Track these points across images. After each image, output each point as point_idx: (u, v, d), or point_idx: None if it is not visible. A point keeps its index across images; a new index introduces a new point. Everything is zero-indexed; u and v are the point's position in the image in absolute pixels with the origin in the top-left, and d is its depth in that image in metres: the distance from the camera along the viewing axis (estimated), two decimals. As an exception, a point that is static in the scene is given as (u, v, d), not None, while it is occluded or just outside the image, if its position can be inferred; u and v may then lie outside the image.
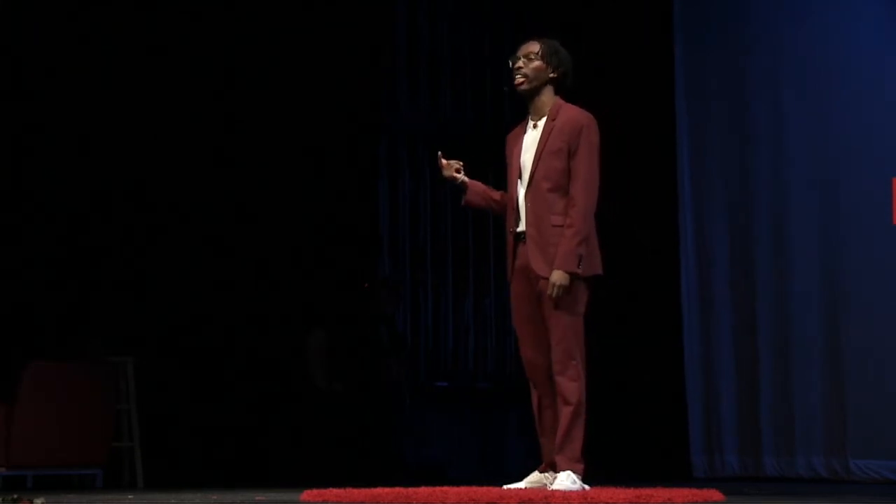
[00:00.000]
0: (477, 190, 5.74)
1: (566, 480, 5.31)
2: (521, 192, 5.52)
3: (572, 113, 5.52)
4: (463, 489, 5.25)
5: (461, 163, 5.75)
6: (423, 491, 5.21)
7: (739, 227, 8.86)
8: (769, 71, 8.77)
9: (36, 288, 8.49)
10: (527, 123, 5.63)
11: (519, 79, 5.57)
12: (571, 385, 5.37)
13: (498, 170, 9.82)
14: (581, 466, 5.39)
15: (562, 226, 5.41)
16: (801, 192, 8.56)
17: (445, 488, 5.33)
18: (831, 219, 8.40)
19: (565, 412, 5.37)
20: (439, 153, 5.73)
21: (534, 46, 5.58)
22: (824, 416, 8.34)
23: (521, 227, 5.51)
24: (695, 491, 5.39)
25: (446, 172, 5.74)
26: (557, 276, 5.36)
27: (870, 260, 8.19)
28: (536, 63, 5.56)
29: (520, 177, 5.55)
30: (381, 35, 9.75)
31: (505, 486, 5.44)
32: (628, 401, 9.18)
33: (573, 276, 5.37)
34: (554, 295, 5.35)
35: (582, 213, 5.39)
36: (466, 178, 5.73)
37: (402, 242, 9.79)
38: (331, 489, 5.41)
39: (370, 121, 9.67)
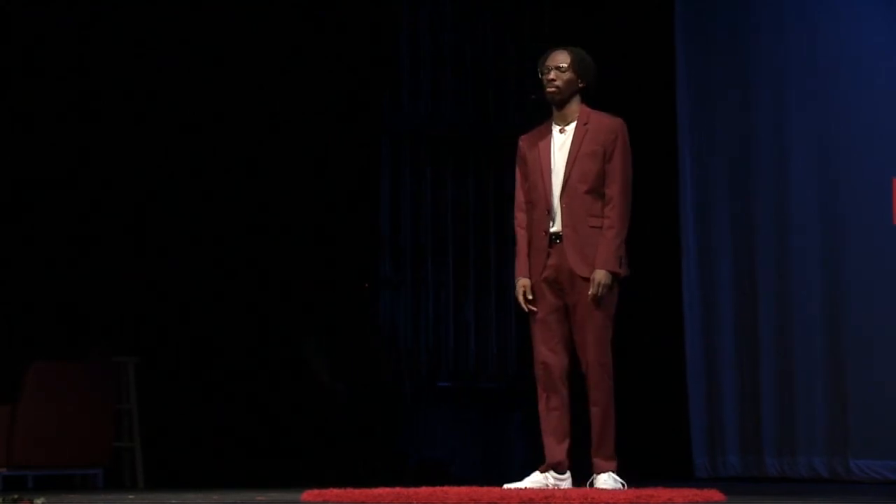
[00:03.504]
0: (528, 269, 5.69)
1: (609, 480, 5.48)
2: (555, 193, 5.58)
3: (604, 118, 5.66)
4: (464, 489, 5.26)
5: (525, 285, 5.65)
6: (424, 491, 5.22)
7: (741, 227, 8.86)
8: (770, 71, 8.76)
9: (38, 287, 8.50)
10: (550, 127, 5.71)
11: (551, 90, 5.66)
12: (604, 385, 5.52)
13: (498, 170, 9.89)
14: (615, 464, 5.54)
15: (598, 227, 5.54)
16: (802, 192, 8.55)
17: (446, 488, 5.34)
18: (833, 219, 8.39)
19: (598, 412, 5.53)
20: (526, 302, 5.64)
21: (565, 57, 5.68)
22: (826, 416, 8.33)
23: (556, 228, 5.57)
24: (696, 491, 5.40)
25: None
26: (601, 276, 5.48)
27: (871, 260, 8.18)
28: (569, 75, 5.66)
29: (549, 179, 5.60)
30: (383, 35, 9.75)
31: (506, 486, 5.46)
32: (630, 400, 9.14)
33: (613, 277, 5.49)
34: (599, 294, 5.46)
35: (621, 214, 5.55)
36: (529, 290, 5.65)
37: (404, 242, 9.79)
38: (331, 489, 5.42)
39: (372, 121, 9.67)
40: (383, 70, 9.77)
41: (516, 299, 5.70)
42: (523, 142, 5.78)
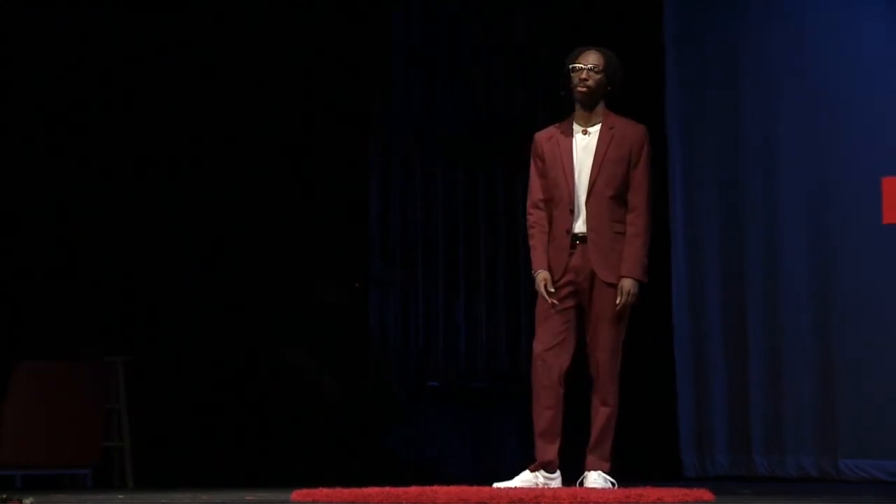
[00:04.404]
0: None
1: (599, 479, 5.53)
2: (579, 194, 5.59)
3: (629, 124, 5.69)
4: (453, 488, 5.26)
5: (546, 278, 5.64)
6: (413, 490, 5.22)
7: (730, 226, 8.88)
8: (761, 70, 8.77)
9: (27, 287, 8.48)
10: (571, 126, 5.71)
11: (583, 89, 5.67)
12: (613, 387, 5.60)
13: (489, 170, 9.89)
14: (608, 465, 5.60)
15: (622, 233, 5.57)
16: (791, 192, 8.57)
17: (435, 487, 5.33)
18: (822, 219, 8.41)
19: (604, 413, 5.59)
20: (552, 301, 5.62)
21: (598, 59, 5.68)
22: (814, 415, 8.36)
23: (579, 229, 5.59)
24: (685, 490, 5.40)
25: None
26: (629, 285, 5.55)
27: (860, 260, 8.21)
28: (601, 77, 5.67)
29: (572, 179, 5.61)
30: (374, 32, 9.74)
31: (495, 485, 5.46)
32: (618, 400, 9.17)
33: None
34: (627, 303, 5.54)
35: (647, 223, 5.60)
36: (551, 283, 5.63)
37: (394, 242, 9.79)
38: (321, 489, 5.41)
39: (362, 118, 9.66)
40: (375, 67, 9.76)
41: (537, 292, 5.66)
42: (540, 138, 5.77)
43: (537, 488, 5.37)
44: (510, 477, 5.60)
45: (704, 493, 5.39)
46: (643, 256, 5.59)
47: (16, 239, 8.51)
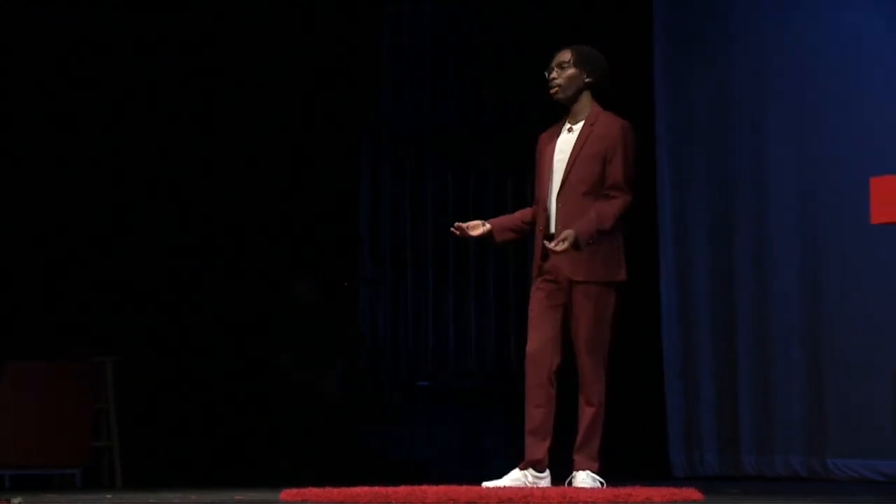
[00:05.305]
0: (502, 226, 5.74)
1: (588, 479, 5.51)
2: (554, 194, 5.57)
3: (610, 119, 5.61)
4: (442, 488, 5.25)
5: (476, 222, 5.70)
6: (403, 490, 5.21)
7: (719, 225, 8.89)
8: (750, 72, 8.78)
9: (16, 287, 8.47)
10: (562, 126, 5.70)
11: (553, 89, 5.66)
12: (597, 387, 5.55)
13: (479, 169, 9.90)
14: (597, 465, 5.56)
15: None
16: (780, 190, 8.58)
17: (424, 487, 5.33)
18: (812, 219, 8.42)
19: (589, 413, 5.56)
20: (452, 230, 5.69)
21: (565, 55, 5.66)
22: (803, 415, 8.37)
23: (553, 230, 5.56)
24: (674, 490, 5.40)
25: (474, 234, 5.70)
26: (570, 234, 5.37)
27: (849, 260, 8.21)
28: (569, 71, 5.64)
29: (550, 178, 5.60)
30: (364, 32, 9.74)
31: (484, 484, 5.46)
32: (607, 399, 9.16)
33: (598, 283, 5.51)
34: (560, 248, 5.35)
35: (620, 209, 5.49)
36: (488, 225, 5.71)
37: (383, 241, 9.79)
38: (310, 488, 5.41)
39: (352, 119, 9.66)
40: (365, 67, 9.76)
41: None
42: (540, 138, 5.78)
43: (526, 488, 5.35)
44: (500, 476, 5.59)
45: (693, 493, 5.38)
46: (597, 229, 5.41)
47: (5, 239, 8.49)
